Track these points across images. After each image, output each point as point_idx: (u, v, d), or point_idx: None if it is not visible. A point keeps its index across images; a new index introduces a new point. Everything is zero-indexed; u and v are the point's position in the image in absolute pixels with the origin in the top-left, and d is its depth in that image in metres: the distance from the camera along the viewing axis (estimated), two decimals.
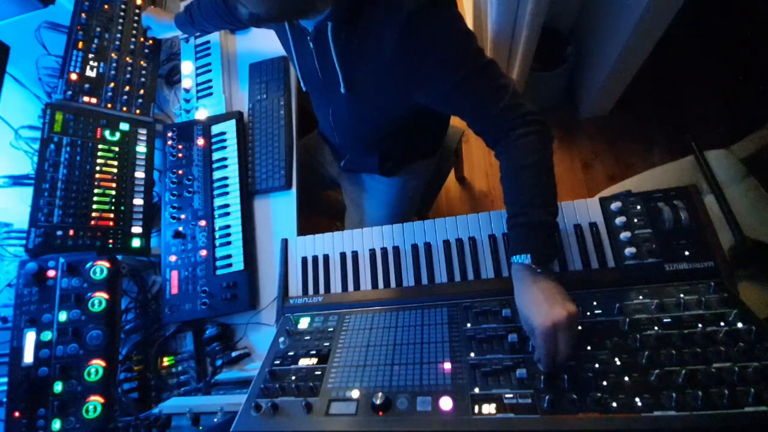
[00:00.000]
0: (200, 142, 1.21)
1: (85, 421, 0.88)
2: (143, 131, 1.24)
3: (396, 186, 1.24)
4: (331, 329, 0.82)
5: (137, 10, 1.36)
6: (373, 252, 0.92)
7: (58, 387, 0.90)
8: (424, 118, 0.93)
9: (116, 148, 1.19)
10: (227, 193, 1.16)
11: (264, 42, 1.34)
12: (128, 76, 1.28)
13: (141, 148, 1.23)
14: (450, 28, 0.73)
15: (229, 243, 1.11)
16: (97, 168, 1.15)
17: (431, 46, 0.73)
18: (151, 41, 1.35)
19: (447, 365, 0.68)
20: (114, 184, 1.16)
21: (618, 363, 0.62)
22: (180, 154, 1.22)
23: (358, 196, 1.31)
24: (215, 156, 1.21)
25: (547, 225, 0.71)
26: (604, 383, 0.60)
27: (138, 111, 1.26)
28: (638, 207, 0.80)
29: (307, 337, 0.81)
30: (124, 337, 1.07)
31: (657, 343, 0.63)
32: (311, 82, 0.97)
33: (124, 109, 1.25)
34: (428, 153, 1.25)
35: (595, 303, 0.72)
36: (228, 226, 1.13)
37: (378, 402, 0.63)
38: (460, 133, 1.47)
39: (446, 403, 0.62)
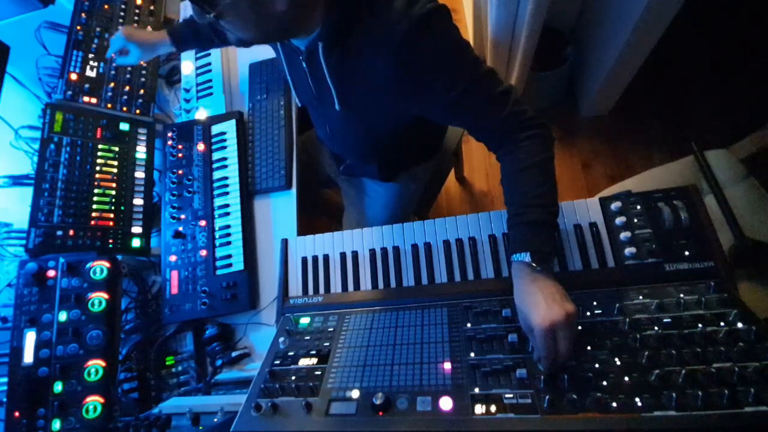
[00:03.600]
0: (200, 146, 1.19)
1: (85, 421, 0.88)
2: (143, 131, 1.24)
3: (395, 190, 1.23)
4: (331, 329, 0.82)
5: (137, 10, 1.36)
6: (373, 252, 0.92)
7: (58, 387, 0.90)
8: (422, 125, 0.92)
9: (116, 148, 1.19)
10: (227, 193, 1.17)
11: None
12: (128, 76, 1.28)
13: (141, 148, 1.23)
14: (447, 42, 0.72)
15: (229, 243, 1.11)
16: (97, 168, 1.16)
17: (429, 62, 0.71)
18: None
19: (447, 365, 0.68)
20: (114, 184, 1.16)
21: (618, 363, 0.62)
22: (180, 154, 1.22)
23: (357, 199, 1.31)
24: (215, 156, 1.21)
25: (547, 224, 0.71)
26: (604, 383, 0.60)
27: (138, 111, 1.26)
28: (638, 207, 0.80)
29: (307, 337, 0.81)
30: (124, 337, 1.07)
31: (657, 343, 0.63)
32: (306, 97, 0.95)
33: (124, 109, 1.25)
34: (427, 157, 1.25)
35: (595, 303, 0.72)
36: (228, 226, 1.13)
37: (378, 402, 0.63)
38: (460, 133, 1.46)
39: (446, 403, 0.62)
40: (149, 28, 1.34)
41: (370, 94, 0.80)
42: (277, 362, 0.77)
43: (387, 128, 0.93)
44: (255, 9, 0.63)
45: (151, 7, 1.37)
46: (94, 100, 1.22)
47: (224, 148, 1.21)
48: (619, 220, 0.80)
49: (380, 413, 0.63)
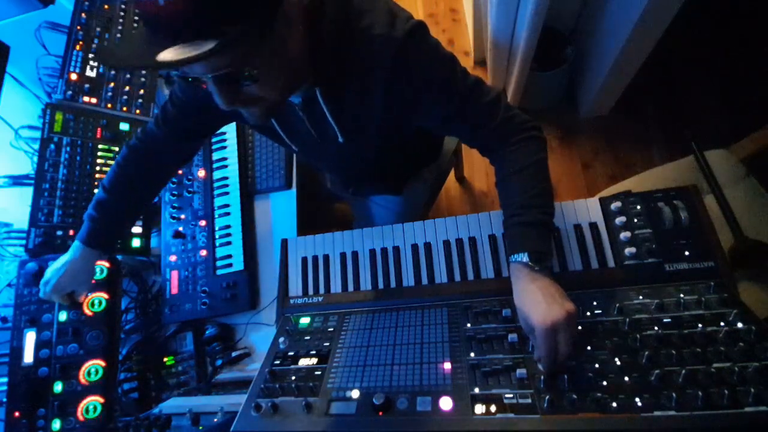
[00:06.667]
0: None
1: (85, 421, 0.88)
2: None
3: (404, 197, 1.23)
4: (331, 329, 0.82)
5: (137, 10, 1.35)
6: (373, 252, 0.92)
7: (58, 387, 0.90)
8: (424, 131, 0.92)
9: (116, 148, 1.19)
10: (227, 193, 1.17)
11: None
12: (128, 76, 1.28)
13: None
14: (435, 57, 0.72)
15: (229, 243, 1.11)
16: (97, 168, 1.16)
17: (422, 80, 0.71)
18: None
19: (447, 365, 0.68)
20: None
21: (618, 363, 0.62)
22: None
23: (367, 210, 1.30)
24: (215, 156, 1.21)
25: (543, 224, 0.71)
26: (604, 383, 0.60)
27: (138, 111, 1.26)
28: (638, 207, 0.80)
29: (307, 337, 0.81)
30: (124, 337, 1.07)
31: (657, 343, 0.63)
32: (303, 141, 0.92)
33: (124, 109, 1.25)
34: (432, 159, 1.25)
35: (595, 303, 0.72)
36: (228, 226, 1.13)
37: (378, 402, 0.63)
38: None
39: (446, 403, 0.62)
40: None
41: (370, 118, 0.79)
42: (277, 362, 0.77)
43: (390, 145, 0.92)
44: (279, 57, 0.61)
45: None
46: (94, 100, 1.22)
47: (224, 148, 1.21)
48: (619, 220, 0.80)
49: (380, 413, 0.63)
